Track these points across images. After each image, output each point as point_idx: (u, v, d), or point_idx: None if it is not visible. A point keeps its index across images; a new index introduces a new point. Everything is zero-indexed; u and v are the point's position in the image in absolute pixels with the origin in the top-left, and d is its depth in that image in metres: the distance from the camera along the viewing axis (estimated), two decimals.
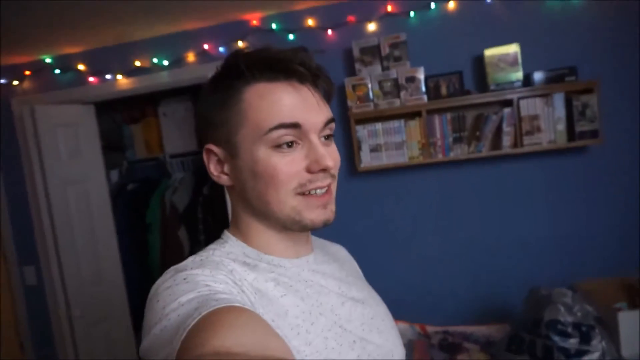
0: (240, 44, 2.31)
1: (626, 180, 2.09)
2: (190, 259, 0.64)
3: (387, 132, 2.11)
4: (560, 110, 2.00)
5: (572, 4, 2.06)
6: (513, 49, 2.01)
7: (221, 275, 0.59)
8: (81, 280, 2.59)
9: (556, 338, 1.51)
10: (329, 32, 2.25)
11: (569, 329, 1.52)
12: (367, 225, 2.32)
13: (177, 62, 2.41)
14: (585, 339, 1.50)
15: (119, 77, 2.47)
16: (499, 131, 2.05)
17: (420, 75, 2.07)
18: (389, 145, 2.11)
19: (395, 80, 2.09)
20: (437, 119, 2.09)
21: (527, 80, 2.04)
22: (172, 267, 0.62)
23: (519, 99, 2.01)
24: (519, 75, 2.01)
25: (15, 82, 2.55)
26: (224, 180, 0.69)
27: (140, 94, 2.61)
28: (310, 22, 2.25)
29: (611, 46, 2.05)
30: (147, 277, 2.98)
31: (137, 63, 2.44)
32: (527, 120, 2.01)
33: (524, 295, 1.81)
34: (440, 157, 2.10)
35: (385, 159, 2.12)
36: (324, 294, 0.68)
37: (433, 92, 2.11)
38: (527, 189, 2.18)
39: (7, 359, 2.56)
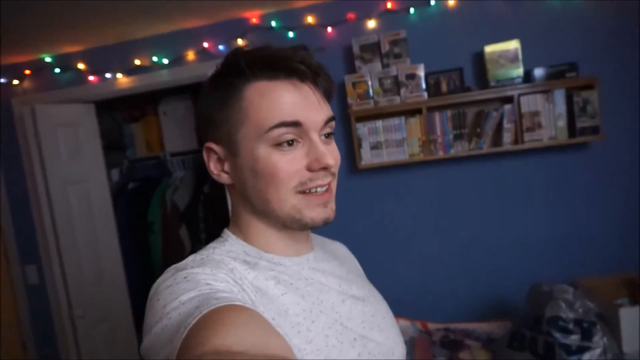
0: (240, 42, 2.31)
1: (627, 176, 2.09)
2: (191, 257, 0.64)
3: (387, 129, 2.11)
4: (560, 107, 1.99)
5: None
6: (513, 45, 2.00)
7: (222, 274, 0.59)
8: (83, 279, 2.60)
9: (557, 334, 1.51)
10: (329, 29, 2.25)
11: (570, 326, 1.52)
12: (367, 223, 2.32)
13: (177, 60, 2.41)
14: (587, 335, 1.50)
15: (119, 76, 2.47)
16: (499, 128, 2.05)
17: (421, 72, 2.07)
18: (390, 142, 2.11)
19: (396, 78, 2.09)
20: (437, 116, 2.09)
21: (528, 77, 2.04)
22: (173, 266, 0.62)
23: (519, 95, 2.01)
24: (519, 71, 2.01)
25: (16, 82, 2.55)
26: (224, 178, 0.69)
27: (140, 93, 2.61)
28: (309, 19, 2.25)
29: (612, 42, 2.05)
30: (149, 276, 2.99)
31: (137, 62, 2.43)
32: (528, 116, 2.01)
33: (525, 292, 1.82)
34: (440, 154, 2.09)
35: (386, 157, 2.12)
36: (325, 292, 0.68)
37: (433, 89, 2.11)
38: (528, 186, 2.18)
39: (9, 358, 2.56)
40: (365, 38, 2.14)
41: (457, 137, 2.08)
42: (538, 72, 2.01)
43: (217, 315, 0.48)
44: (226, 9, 2.19)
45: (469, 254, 2.25)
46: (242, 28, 2.31)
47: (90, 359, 2.59)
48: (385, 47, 2.12)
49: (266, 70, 0.64)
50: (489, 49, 2.03)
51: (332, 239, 0.89)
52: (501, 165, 2.18)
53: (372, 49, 2.14)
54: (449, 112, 2.08)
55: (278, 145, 0.63)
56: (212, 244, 0.70)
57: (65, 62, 2.51)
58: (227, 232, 0.72)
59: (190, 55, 2.39)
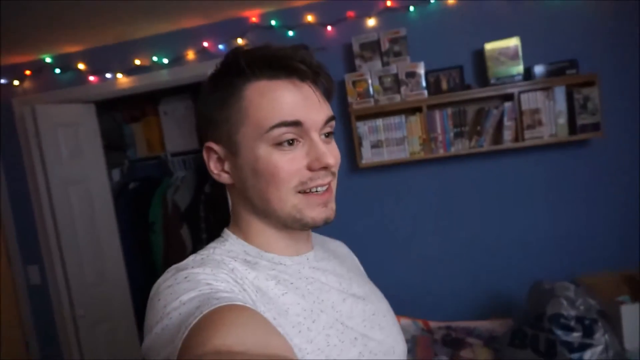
0: (239, 41, 2.31)
1: (628, 173, 2.09)
2: (191, 257, 0.64)
3: (387, 127, 2.11)
4: (561, 104, 1.99)
5: None
6: (513, 42, 2.00)
7: (222, 273, 0.59)
8: (84, 279, 2.60)
9: (559, 332, 1.51)
10: (329, 28, 2.24)
11: (572, 323, 1.52)
12: (368, 222, 2.31)
13: (177, 60, 2.40)
14: (588, 332, 1.50)
15: (119, 76, 2.47)
16: (500, 125, 2.05)
17: (421, 70, 2.06)
18: (390, 141, 2.11)
19: (396, 76, 2.09)
20: (437, 114, 2.08)
21: (528, 74, 2.03)
22: (173, 266, 0.62)
23: (519, 92, 2.00)
24: (519, 68, 2.00)
25: (16, 82, 2.55)
26: (224, 178, 0.69)
27: (141, 93, 2.61)
28: (309, 18, 2.24)
29: (612, 38, 2.04)
30: (150, 276, 2.99)
31: (137, 62, 2.43)
32: (528, 114, 2.00)
33: (526, 290, 1.81)
34: (441, 152, 2.09)
35: (386, 155, 2.12)
36: (325, 291, 0.68)
37: (433, 87, 2.11)
38: (529, 184, 2.17)
39: (12, 358, 2.57)
40: (365, 36, 2.14)
41: (458, 135, 2.08)
42: (538, 69, 2.00)
43: (217, 315, 0.48)
44: (226, 8, 2.19)
45: (469, 252, 2.25)
46: (242, 27, 2.31)
47: (92, 359, 2.60)
48: (385, 45, 2.12)
49: (266, 69, 0.63)
50: (489, 46, 2.02)
51: (333, 238, 0.89)
52: (502, 163, 2.18)
53: (372, 47, 2.14)
54: (449, 110, 2.08)
55: (278, 144, 0.63)
56: (212, 244, 0.70)
57: (66, 62, 2.51)
58: (227, 232, 0.72)
59: (190, 55, 2.39)
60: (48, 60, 2.51)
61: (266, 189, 0.64)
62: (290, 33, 2.27)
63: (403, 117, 2.09)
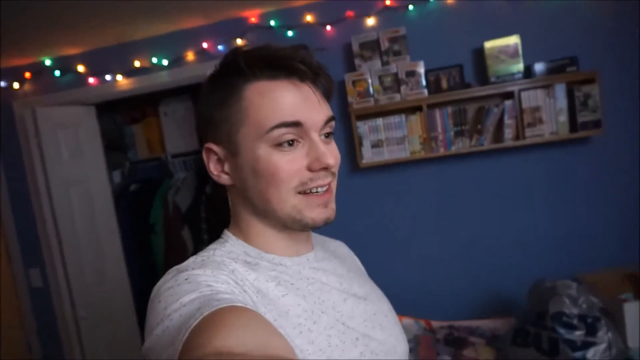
0: (239, 41, 2.31)
1: (629, 169, 2.08)
2: (192, 259, 0.64)
3: (388, 127, 2.10)
4: (561, 101, 1.98)
5: None
6: (513, 40, 1.99)
7: (223, 275, 0.59)
8: (86, 281, 2.61)
9: (562, 330, 1.51)
10: (328, 27, 2.24)
11: (575, 321, 1.52)
12: (368, 222, 2.31)
13: (177, 61, 2.40)
14: (591, 330, 1.50)
15: (119, 77, 2.47)
16: (500, 124, 2.04)
17: (420, 69, 2.06)
18: (390, 140, 2.11)
19: (395, 75, 2.08)
20: (438, 113, 2.08)
21: (528, 72, 2.03)
22: (174, 268, 0.62)
23: (520, 90, 2.00)
24: (519, 66, 2.00)
25: (16, 85, 2.55)
26: (224, 179, 0.69)
27: (141, 94, 2.61)
28: (309, 18, 2.24)
29: (612, 35, 2.04)
30: (151, 277, 2.99)
31: (137, 63, 2.43)
32: (529, 112, 2.00)
33: (526, 289, 1.81)
34: (442, 151, 2.09)
35: (387, 155, 2.12)
36: (326, 292, 0.68)
37: (433, 86, 2.10)
38: (530, 182, 2.17)
39: (15, 359, 2.57)
40: (364, 36, 2.14)
41: (458, 134, 2.08)
42: (538, 67, 2.00)
43: (218, 316, 0.47)
44: (225, 8, 2.19)
45: (469, 252, 2.24)
46: (241, 27, 2.30)
47: None
48: (384, 45, 2.11)
49: (266, 69, 0.63)
50: (488, 44, 2.02)
51: (333, 238, 0.88)
52: (502, 161, 2.18)
53: (372, 47, 2.13)
54: (449, 109, 2.08)
55: (278, 145, 0.63)
56: (212, 245, 0.70)
57: (65, 64, 2.51)
58: (227, 233, 0.72)
59: (190, 56, 2.39)
60: (48, 62, 2.51)
61: (266, 189, 0.64)
62: (290, 33, 2.26)
63: (403, 116, 2.09)
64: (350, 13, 2.21)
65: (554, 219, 2.16)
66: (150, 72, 2.44)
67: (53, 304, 2.61)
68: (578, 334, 1.50)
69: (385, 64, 2.12)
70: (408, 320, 2.02)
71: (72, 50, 2.47)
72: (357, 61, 2.15)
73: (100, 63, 2.48)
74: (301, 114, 0.63)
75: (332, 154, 0.65)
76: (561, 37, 2.06)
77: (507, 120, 2.02)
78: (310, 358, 0.59)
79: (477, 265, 2.24)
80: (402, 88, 2.08)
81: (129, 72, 2.46)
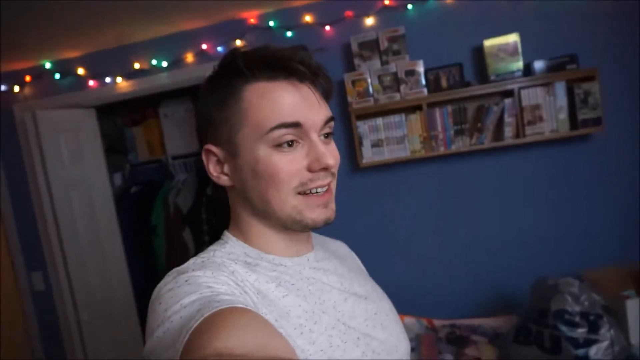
0: (238, 42, 2.31)
1: (630, 167, 2.08)
2: (192, 260, 0.64)
3: (387, 126, 2.10)
4: (561, 99, 1.98)
5: None
6: (513, 38, 1.99)
7: (223, 276, 0.59)
8: (88, 284, 2.61)
9: (564, 328, 1.51)
10: (327, 28, 2.24)
11: (577, 319, 1.52)
12: (369, 222, 2.31)
13: (176, 63, 2.41)
14: (594, 328, 1.50)
15: (119, 80, 2.47)
16: (500, 122, 2.04)
17: (420, 68, 2.06)
18: (390, 140, 2.11)
19: (395, 74, 2.08)
20: (437, 112, 2.08)
21: (528, 70, 2.03)
22: (174, 269, 0.62)
23: (520, 89, 2.00)
24: (519, 65, 2.00)
25: (16, 89, 2.56)
26: (224, 180, 0.69)
27: (141, 96, 2.62)
28: (307, 18, 2.24)
29: (611, 32, 2.03)
30: (153, 278, 2.99)
31: (137, 65, 2.44)
32: (529, 110, 2.00)
33: (527, 288, 1.81)
34: (442, 150, 2.09)
35: (387, 154, 2.12)
36: (326, 292, 0.68)
37: (433, 84, 2.10)
38: (530, 180, 2.17)
39: None
40: (363, 35, 2.14)
41: (458, 133, 2.08)
42: (538, 64, 2.00)
43: (218, 318, 0.47)
44: (224, 9, 2.19)
45: (470, 250, 2.24)
46: (241, 29, 2.31)
47: None
48: (383, 44, 2.11)
49: (265, 70, 0.63)
50: (488, 43, 2.02)
51: (333, 238, 0.88)
52: (502, 159, 2.17)
53: (371, 47, 2.13)
54: (449, 108, 2.07)
55: (278, 146, 0.63)
56: (212, 247, 0.70)
57: (65, 67, 2.52)
58: (227, 234, 0.72)
59: (189, 57, 2.39)
60: (48, 65, 2.52)
61: (266, 190, 0.64)
62: (289, 33, 2.26)
63: (403, 115, 2.09)
64: (349, 13, 2.21)
65: (554, 216, 2.16)
66: (150, 74, 2.44)
67: (55, 306, 2.61)
68: (580, 332, 1.50)
69: (384, 63, 2.12)
70: (410, 319, 2.02)
71: (71, 53, 2.48)
72: (356, 61, 2.15)
73: (100, 65, 2.49)
74: (300, 114, 0.63)
75: (331, 154, 0.65)
76: (561, 35, 2.06)
77: (507, 119, 2.02)
78: (312, 358, 0.59)
79: (477, 263, 2.23)
80: (402, 87, 2.08)
81: (129, 74, 2.46)
